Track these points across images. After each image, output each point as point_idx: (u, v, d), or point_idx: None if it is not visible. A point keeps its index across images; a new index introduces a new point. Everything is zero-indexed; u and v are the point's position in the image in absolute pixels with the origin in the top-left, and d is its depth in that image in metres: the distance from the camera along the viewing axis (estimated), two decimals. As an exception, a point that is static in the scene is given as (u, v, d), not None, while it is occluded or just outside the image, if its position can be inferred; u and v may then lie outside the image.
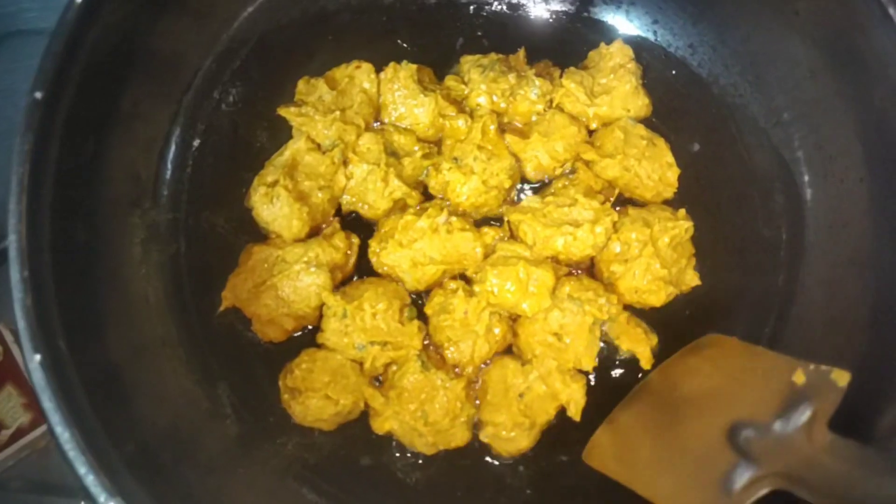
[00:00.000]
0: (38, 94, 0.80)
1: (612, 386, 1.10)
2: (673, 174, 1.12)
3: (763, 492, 0.84)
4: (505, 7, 1.23)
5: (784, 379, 0.87)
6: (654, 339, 1.09)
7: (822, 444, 0.81)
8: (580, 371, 1.07)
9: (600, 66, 1.16)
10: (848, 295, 0.96)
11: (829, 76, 0.99)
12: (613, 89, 1.14)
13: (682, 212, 1.09)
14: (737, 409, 0.90)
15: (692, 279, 1.09)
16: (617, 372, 1.10)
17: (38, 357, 0.73)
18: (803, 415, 0.84)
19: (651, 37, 1.20)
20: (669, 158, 1.12)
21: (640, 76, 1.16)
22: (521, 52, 1.19)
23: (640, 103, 1.15)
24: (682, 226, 1.07)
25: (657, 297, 1.07)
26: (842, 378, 0.83)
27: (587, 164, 1.13)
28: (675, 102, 1.17)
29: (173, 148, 1.10)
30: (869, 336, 0.91)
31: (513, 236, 1.11)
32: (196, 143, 1.13)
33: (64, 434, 0.71)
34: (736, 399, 0.91)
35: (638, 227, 1.07)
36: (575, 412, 1.05)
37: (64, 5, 0.84)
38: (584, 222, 1.05)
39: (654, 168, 1.11)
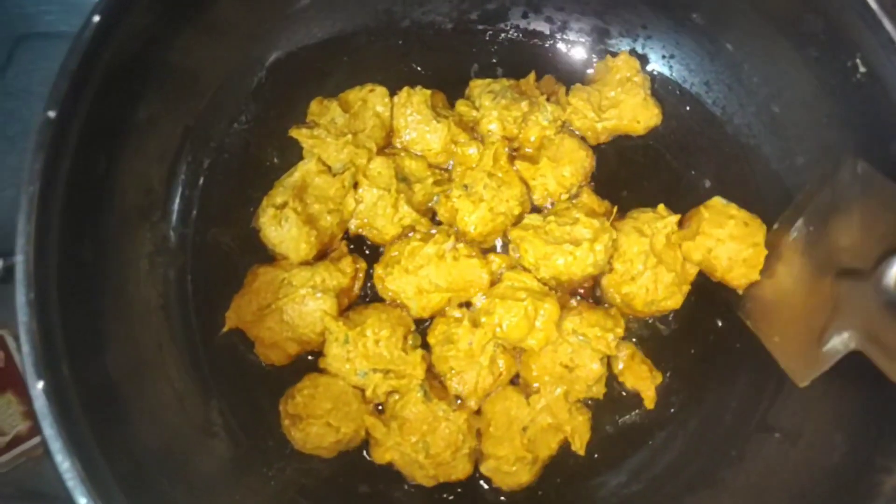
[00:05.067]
0: (52, 114, 0.79)
1: (615, 423, 1.09)
2: (758, 255, 1.05)
3: (844, 352, 0.88)
4: (521, 35, 1.23)
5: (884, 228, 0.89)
6: (659, 377, 1.08)
7: None
8: (586, 405, 1.07)
9: (607, 80, 1.17)
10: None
11: (844, 124, 0.98)
12: (622, 102, 1.15)
13: (661, 206, 1.09)
14: (842, 256, 0.92)
15: (693, 269, 1.09)
16: (621, 408, 1.10)
17: (41, 384, 0.72)
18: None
19: (666, 71, 1.20)
20: (758, 238, 1.05)
21: (649, 87, 1.16)
22: (532, 76, 1.19)
23: (650, 114, 1.15)
24: (671, 221, 1.07)
25: (675, 301, 1.08)
26: None
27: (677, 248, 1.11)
28: (688, 139, 1.17)
29: (185, 164, 1.09)
30: (880, 386, 0.90)
31: (519, 265, 1.10)
32: (207, 159, 1.12)
33: (64, 463, 0.70)
34: (843, 247, 0.93)
35: (634, 238, 1.07)
36: (580, 446, 1.04)
37: (84, 10, 0.83)
38: (584, 241, 1.04)
39: (739, 249, 1.05)
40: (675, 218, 1.08)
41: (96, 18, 0.84)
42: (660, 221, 1.08)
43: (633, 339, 1.12)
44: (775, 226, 1.06)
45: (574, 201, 1.13)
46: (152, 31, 0.93)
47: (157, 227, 1.03)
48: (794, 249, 1.01)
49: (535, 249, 1.05)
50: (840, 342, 0.89)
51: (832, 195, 0.97)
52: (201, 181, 1.10)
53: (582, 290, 1.12)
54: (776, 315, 1.02)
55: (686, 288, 1.09)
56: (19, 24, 1.31)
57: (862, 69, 0.93)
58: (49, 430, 0.71)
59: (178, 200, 1.07)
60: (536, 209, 1.15)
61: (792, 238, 1.02)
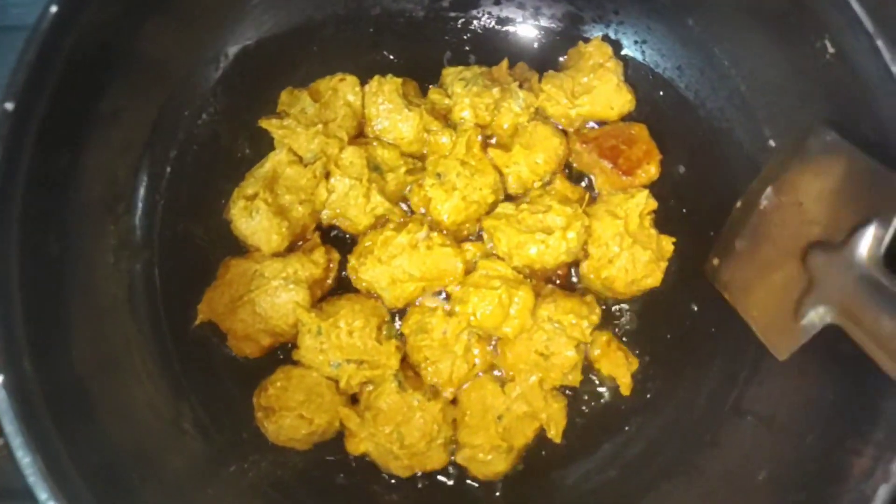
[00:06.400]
0: (9, 106, 0.77)
1: (591, 410, 1.09)
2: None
3: (821, 325, 0.85)
4: (493, 22, 1.22)
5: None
6: (635, 364, 1.08)
7: (875, 262, 0.81)
8: (561, 392, 1.07)
9: (580, 66, 1.16)
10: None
11: (817, 105, 0.98)
12: (594, 88, 1.14)
13: (631, 187, 1.10)
14: (813, 229, 0.90)
15: (668, 245, 1.09)
16: (596, 395, 1.09)
17: (0, 378, 0.70)
18: (868, 231, 0.82)
19: (639, 57, 1.20)
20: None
21: (622, 72, 1.16)
22: (504, 64, 1.18)
23: (623, 100, 1.15)
24: (642, 196, 1.06)
25: (655, 278, 1.08)
26: None
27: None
28: (661, 124, 1.16)
29: (152, 155, 1.07)
30: (853, 369, 0.90)
31: (493, 254, 1.10)
32: (175, 151, 1.10)
33: (25, 459, 0.69)
34: (814, 218, 0.90)
35: (607, 222, 1.07)
36: (555, 433, 1.04)
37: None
38: (556, 229, 1.04)
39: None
40: (645, 194, 1.07)
41: (53, 9, 0.82)
42: (631, 201, 1.07)
43: (609, 326, 1.11)
44: (739, 202, 1.04)
45: (547, 188, 1.13)
46: (115, 20, 0.92)
47: (123, 219, 1.02)
48: (765, 219, 0.99)
49: (508, 238, 1.05)
50: (816, 316, 0.86)
51: (801, 165, 0.95)
52: (168, 173, 1.09)
53: (557, 278, 1.12)
54: (752, 288, 0.98)
55: (664, 264, 1.09)
56: (-14, 17, 1.29)
57: (831, 50, 0.92)
58: (9, 426, 0.70)
59: (144, 193, 1.06)
60: (510, 197, 1.14)
61: (762, 207, 0.99)
